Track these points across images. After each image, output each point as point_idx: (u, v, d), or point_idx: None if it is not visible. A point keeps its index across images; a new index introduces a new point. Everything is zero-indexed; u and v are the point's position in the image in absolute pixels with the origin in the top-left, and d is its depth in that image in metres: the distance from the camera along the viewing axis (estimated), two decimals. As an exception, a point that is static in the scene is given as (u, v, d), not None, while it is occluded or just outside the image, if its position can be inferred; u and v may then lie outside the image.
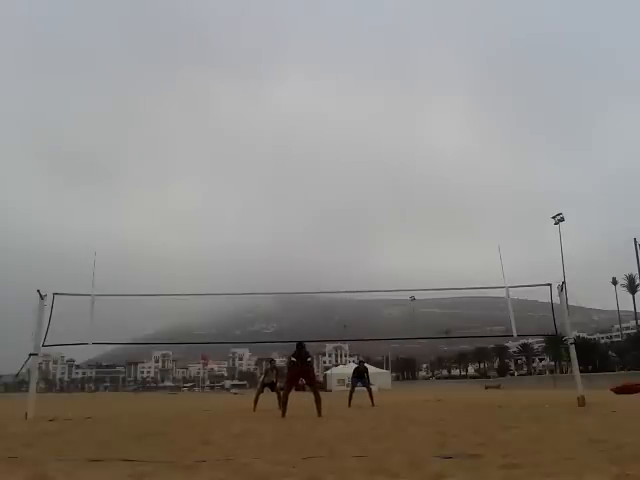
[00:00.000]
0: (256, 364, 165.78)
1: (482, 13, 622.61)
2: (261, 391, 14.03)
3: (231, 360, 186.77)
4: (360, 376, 16.46)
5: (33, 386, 12.20)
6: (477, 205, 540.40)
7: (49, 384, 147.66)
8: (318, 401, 10.36)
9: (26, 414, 10.79)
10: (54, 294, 11.52)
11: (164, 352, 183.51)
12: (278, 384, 13.92)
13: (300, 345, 10.51)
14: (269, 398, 13.89)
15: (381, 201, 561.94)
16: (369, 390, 16.10)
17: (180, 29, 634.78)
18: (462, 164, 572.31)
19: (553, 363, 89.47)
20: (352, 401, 15.47)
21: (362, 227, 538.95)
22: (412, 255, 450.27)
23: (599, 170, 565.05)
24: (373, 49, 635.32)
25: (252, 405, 13.51)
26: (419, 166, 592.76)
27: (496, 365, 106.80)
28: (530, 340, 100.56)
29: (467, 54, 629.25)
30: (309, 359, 10.77)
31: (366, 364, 18.28)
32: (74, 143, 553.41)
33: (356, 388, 16.27)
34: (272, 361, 15.21)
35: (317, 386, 11.04)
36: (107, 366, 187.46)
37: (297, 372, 10.68)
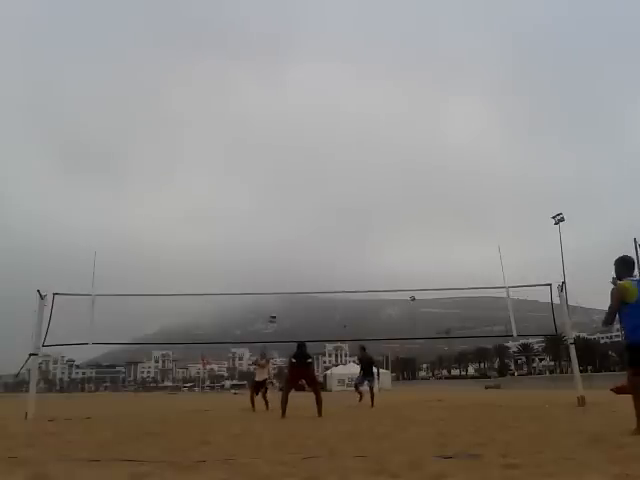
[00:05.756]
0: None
1: (500, 6, 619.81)
2: (260, 390, 13.93)
3: (231, 360, 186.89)
4: (367, 369, 14.92)
5: (33, 386, 12.20)
6: (480, 204, 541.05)
7: (49, 384, 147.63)
8: (319, 402, 10.32)
9: (26, 414, 10.79)
10: (54, 294, 11.51)
11: (164, 352, 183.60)
12: (276, 383, 13.78)
13: (301, 345, 10.50)
14: (269, 398, 13.84)
15: (384, 201, 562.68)
16: (371, 390, 14.72)
17: (188, 22, 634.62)
18: (466, 163, 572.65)
19: (553, 363, 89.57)
20: (351, 401, 15.15)
21: (363, 227, 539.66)
22: (413, 255, 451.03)
23: (600, 170, 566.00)
24: (392, 44, 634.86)
25: (252, 405, 13.48)
26: (420, 166, 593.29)
27: (496, 365, 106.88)
28: (530, 340, 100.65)
29: (486, 53, 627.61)
30: (309, 359, 10.76)
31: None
32: (76, 142, 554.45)
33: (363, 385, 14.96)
34: (264, 356, 14.29)
35: (318, 387, 11.00)
36: (107, 366, 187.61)
37: (297, 372, 10.66)
